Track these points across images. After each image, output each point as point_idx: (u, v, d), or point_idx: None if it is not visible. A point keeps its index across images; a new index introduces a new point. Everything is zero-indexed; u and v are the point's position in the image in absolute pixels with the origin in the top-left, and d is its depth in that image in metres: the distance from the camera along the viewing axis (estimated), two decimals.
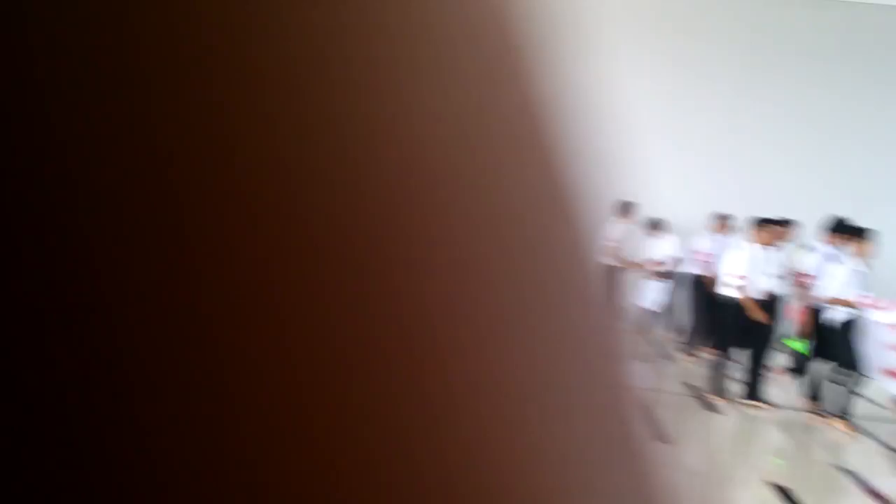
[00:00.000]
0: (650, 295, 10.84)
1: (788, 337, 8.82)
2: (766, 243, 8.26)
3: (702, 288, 10.33)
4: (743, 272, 8.21)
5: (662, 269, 10.43)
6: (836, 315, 7.75)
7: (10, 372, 0.10)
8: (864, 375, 7.68)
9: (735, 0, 12.42)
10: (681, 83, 12.25)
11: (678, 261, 10.70)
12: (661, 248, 10.63)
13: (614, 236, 9.99)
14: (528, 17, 0.16)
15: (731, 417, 8.04)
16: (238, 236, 0.11)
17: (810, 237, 9.31)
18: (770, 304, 8.25)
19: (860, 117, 12.51)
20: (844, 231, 7.93)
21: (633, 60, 11.68)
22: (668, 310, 10.94)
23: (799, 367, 8.70)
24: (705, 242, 10.51)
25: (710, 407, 8.23)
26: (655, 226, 11.32)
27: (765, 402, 8.18)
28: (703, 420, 7.96)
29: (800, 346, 8.49)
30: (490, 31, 0.15)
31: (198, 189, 0.11)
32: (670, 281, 10.73)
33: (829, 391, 7.82)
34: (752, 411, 8.17)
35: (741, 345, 8.39)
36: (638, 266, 10.39)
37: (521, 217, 0.15)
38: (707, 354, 10.15)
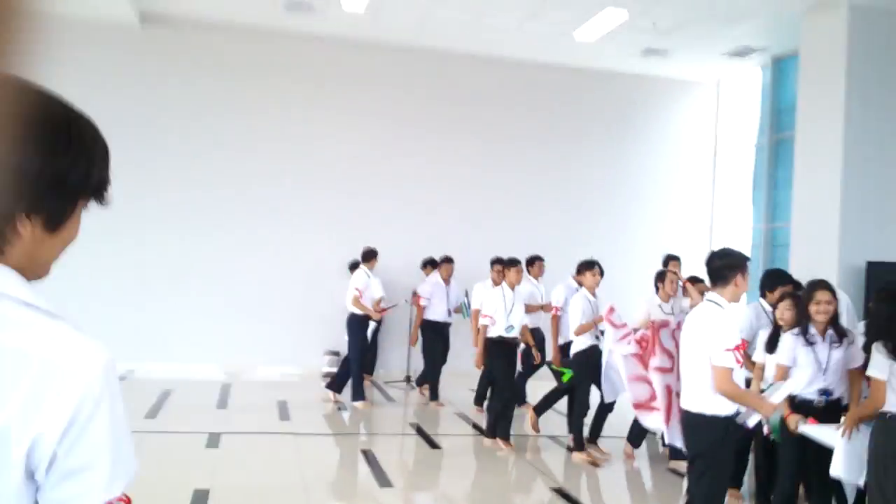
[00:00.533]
0: (369, 336, 11.09)
1: (556, 366, 9.10)
2: (511, 283, 8.64)
3: (424, 328, 11.08)
4: (488, 312, 8.54)
5: (377, 310, 10.57)
6: (579, 344, 8.23)
7: None
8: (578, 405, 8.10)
9: (442, 61, 13.48)
10: (399, 138, 13.32)
11: (386, 301, 11.02)
12: (373, 290, 10.72)
13: (359, 284, 10.36)
14: None
15: (457, 454, 8.38)
16: None
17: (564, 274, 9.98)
18: (512, 343, 8.59)
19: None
20: (580, 266, 8.54)
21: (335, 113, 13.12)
22: (373, 348, 11.40)
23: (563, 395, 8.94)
24: (424, 287, 11.14)
25: (435, 445, 8.66)
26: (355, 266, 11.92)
27: (505, 438, 8.43)
28: (430, 459, 8.34)
29: (566, 374, 8.68)
30: None
31: None
32: (378, 322, 11.03)
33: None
34: (492, 447, 8.51)
35: (491, 383, 8.83)
36: (378, 311, 10.57)
37: None
38: (426, 393, 10.87)
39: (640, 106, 14.37)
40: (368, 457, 7.98)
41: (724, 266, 4.84)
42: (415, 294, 11.63)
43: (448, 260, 11.22)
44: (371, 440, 9.00)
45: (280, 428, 9.00)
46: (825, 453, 5.40)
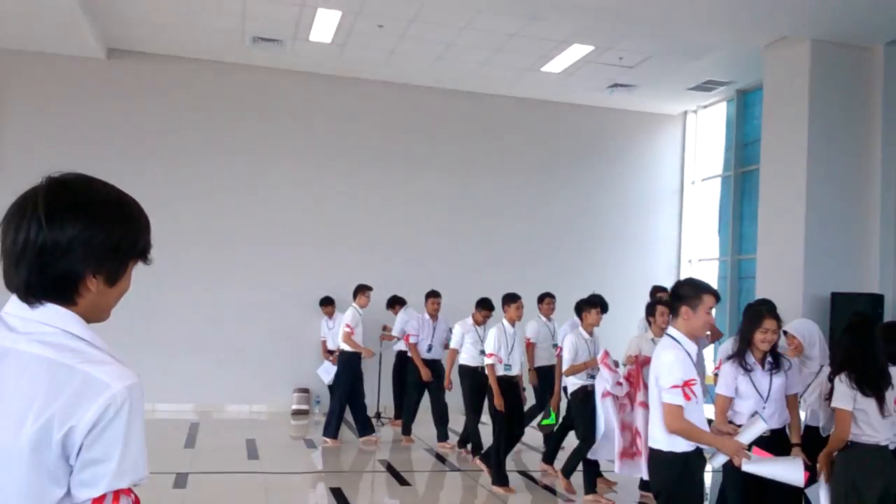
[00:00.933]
0: (327, 374, 11.21)
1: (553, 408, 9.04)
2: (511, 320, 8.48)
3: (403, 366, 11.07)
4: (493, 351, 8.34)
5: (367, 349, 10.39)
6: (571, 386, 8.01)
7: None
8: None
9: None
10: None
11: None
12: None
13: (350, 321, 10.22)
14: None
15: (427, 491, 8.35)
16: None
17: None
18: (515, 381, 8.43)
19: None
20: (580, 304, 8.24)
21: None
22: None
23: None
24: (412, 323, 10.91)
25: (405, 482, 8.57)
26: (325, 303, 12.17)
27: (503, 484, 8.11)
28: (400, 496, 8.27)
29: (550, 419, 8.57)
30: None
31: None
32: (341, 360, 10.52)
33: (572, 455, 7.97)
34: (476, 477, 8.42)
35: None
36: (368, 350, 10.35)
37: None
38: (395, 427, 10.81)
39: (608, 138, 14.45)
40: (338, 495, 7.89)
41: (674, 298, 4.62)
42: (385, 327, 11.58)
43: (434, 294, 10.91)
44: (340, 478, 8.91)
45: (248, 467, 8.88)
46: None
